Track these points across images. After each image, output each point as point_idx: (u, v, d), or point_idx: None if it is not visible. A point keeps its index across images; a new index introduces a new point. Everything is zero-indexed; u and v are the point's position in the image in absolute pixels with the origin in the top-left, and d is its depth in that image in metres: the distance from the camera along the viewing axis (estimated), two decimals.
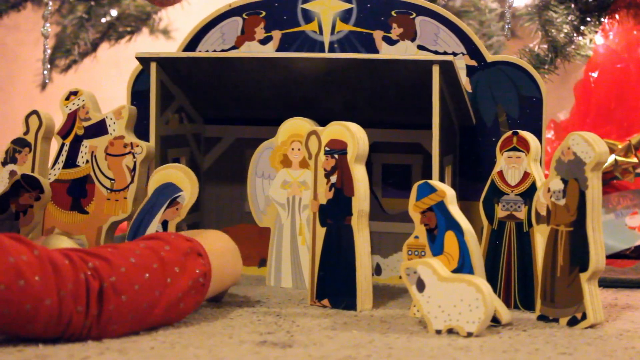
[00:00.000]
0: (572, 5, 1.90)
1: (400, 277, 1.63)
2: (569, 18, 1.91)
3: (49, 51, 1.85)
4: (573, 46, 1.90)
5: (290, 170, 1.59)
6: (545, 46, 1.89)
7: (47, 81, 1.87)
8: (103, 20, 2.36)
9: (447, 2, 2.31)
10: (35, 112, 1.61)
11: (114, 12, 2.37)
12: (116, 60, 2.82)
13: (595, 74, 2.09)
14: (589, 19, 1.90)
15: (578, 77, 2.16)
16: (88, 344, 1.15)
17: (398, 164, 1.67)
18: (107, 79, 3.21)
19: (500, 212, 1.44)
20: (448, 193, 1.34)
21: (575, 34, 1.90)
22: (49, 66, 1.93)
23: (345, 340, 1.22)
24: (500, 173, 1.44)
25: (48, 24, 1.82)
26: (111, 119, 1.59)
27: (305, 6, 1.66)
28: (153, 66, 1.59)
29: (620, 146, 2.00)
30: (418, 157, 1.65)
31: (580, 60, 1.96)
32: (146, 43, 2.53)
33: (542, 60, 1.87)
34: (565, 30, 1.90)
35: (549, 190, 1.34)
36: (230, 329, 1.27)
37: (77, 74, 2.50)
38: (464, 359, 1.15)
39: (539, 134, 1.54)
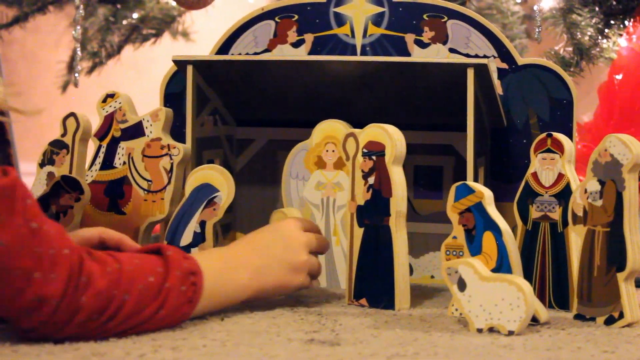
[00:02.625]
0: (597, 9, 1.93)
1: (432, 277, 1.67)
2: (594, 21, 1.93)
3: (79, 54, 1.87)
4: (597, 49, 1.92)
5: (325, 172, 1.61)
6: (571, 49, 1.92)
7: (78, 84, 1.89)
8: (124, 22, 2.38)
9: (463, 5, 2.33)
10: (72, 114, 1.63)
11: (134, 15, 2.39)
12: (135, 62, 2.84)
13: (619, 76, 2.11)
14: (613, 22, 1.93)
15: (602, 79, 2.18)
16: (142, 340, 1.17)
17: (430, 166, 1.69)
18: (126, 80, 3.23)
19: (534, 213, 1.46)
20: (486, 194, 1.36)
21: (599, 37, 1.92)
22: (79, 68, 1.95)
23: (390, 339, 1.24)
24: (535, 174, 1.46)
25: (79, 27, 1.84)
26: (148, 121, 1.61)
27: (338, 10, 1.68)
28: (189, 69, 1.61)
29: None
30: (450, 158, 1.67)
31: (603, 63, 1.98)
32: (167, 45, 2.54)
33: (568, 63, 1.89)
34: (590, 33, 1.92)
35: (585, 192, 1.36)
36: (276, 327, 1.29)
37: (96, 76, 2.52)
38: (508, 356, 1.17)
39: (569, 136, 1.56)
